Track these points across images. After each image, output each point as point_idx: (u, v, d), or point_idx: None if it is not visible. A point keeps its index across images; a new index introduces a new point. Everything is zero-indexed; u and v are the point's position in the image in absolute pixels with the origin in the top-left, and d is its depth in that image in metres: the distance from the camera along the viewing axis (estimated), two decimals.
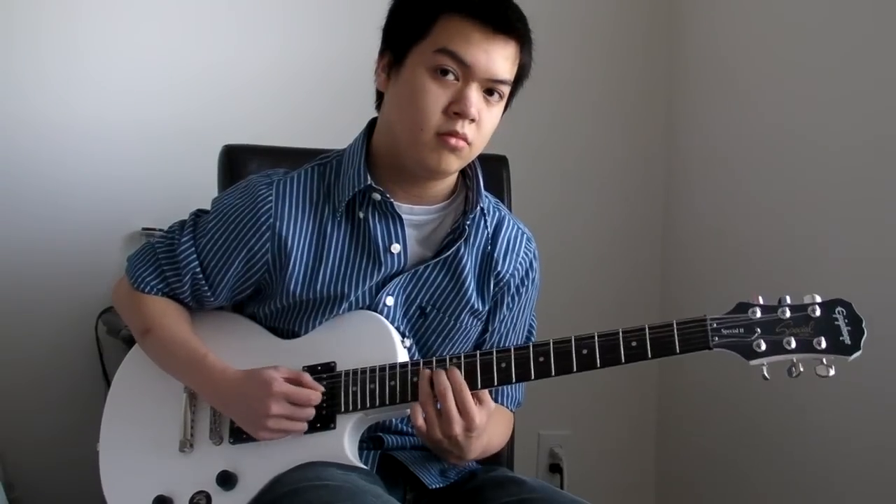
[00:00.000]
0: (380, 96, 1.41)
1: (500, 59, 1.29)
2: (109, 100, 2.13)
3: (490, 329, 1.48)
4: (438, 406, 1.26)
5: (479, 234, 1.44)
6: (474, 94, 1.28)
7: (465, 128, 1.29)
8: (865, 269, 1.86)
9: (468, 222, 1.40)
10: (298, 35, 2.27)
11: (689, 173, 2.47)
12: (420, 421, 1.26)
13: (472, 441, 1.28)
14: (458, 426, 1.25)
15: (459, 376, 1.26)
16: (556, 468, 2.50)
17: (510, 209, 1.76)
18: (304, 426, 1.29)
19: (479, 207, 1.41)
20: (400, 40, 1.32)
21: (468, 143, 1.31)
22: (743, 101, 2.26)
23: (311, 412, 1.29)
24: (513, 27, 1.29)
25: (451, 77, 1.28)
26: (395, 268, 1.38)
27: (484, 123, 1.31)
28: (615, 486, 2.53)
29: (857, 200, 1.89)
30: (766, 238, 2.15)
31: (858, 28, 1.90)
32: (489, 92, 1.31)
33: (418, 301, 1.40)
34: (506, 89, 1.32)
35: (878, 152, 1.84)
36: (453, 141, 1.29)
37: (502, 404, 1.50)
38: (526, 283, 1.49)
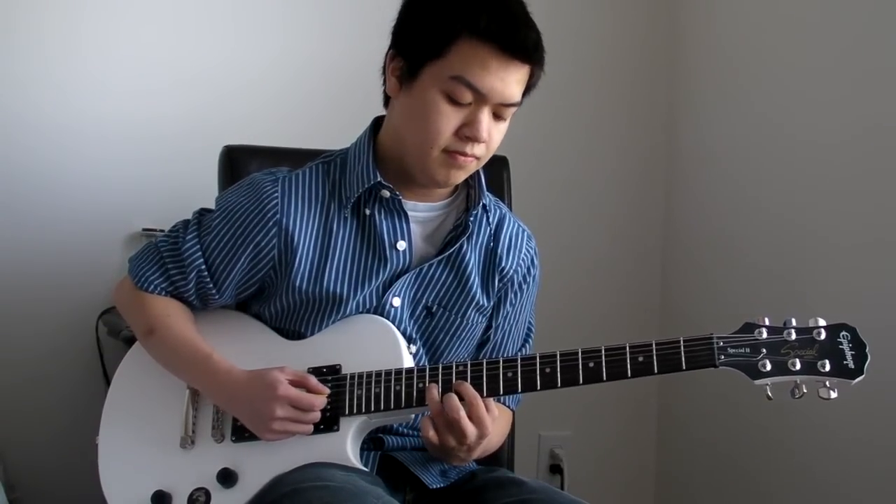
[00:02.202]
0: (387, 95, 1.40)
1: (514, 83, 1.29)
2: (110, 100, 2.13)
3: (494, 325, 1.49)
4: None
5: (482, 231, 1.45)
6: (486, 119, 1.29)
7: (474, 149, 1.31)
8: (866, 267, 1.86)
9: (471, 218, 1.41)
10: (299, 35, 2.27)
11: (690, 174, 2.47)
12: (431, 433, 1.27)
13: (481, 444, 1.30)
14: (472, 435, 1.26)
15: (471, 389, 1.27)
16: (556, 469, 2.50)
17: (510, 210, 1.77)
18: (310, 428, 1.29)
19: (481, 204, 1.42)
20: (414, 53, 1.30)
21: (477, 159, 1.33)
22: (744, 102, 2.26)
23: (317, 415, 1.29)
24: (530, 54, 1.28)
25: (464, 100, 1.28)
26: (401, 265, 1.39)
27: (492, 140, 1.33)
28: (615, 487, 2.54)
29: (859, 199, 1.89)
30: (766, 239, 2.15)
31: (860, 26, 1.90)
32: (499, 109, 1.31)
33: (424, 300, 1.41)
34: (515, 107, 1.32)
35: (880, 151, 1.84)
36: (462, 159, 1.31)
37: (504, 403, 1.51)
38: (528, 279, 1.50)
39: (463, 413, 1.25)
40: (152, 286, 1.41)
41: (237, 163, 1.79)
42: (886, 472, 1.80)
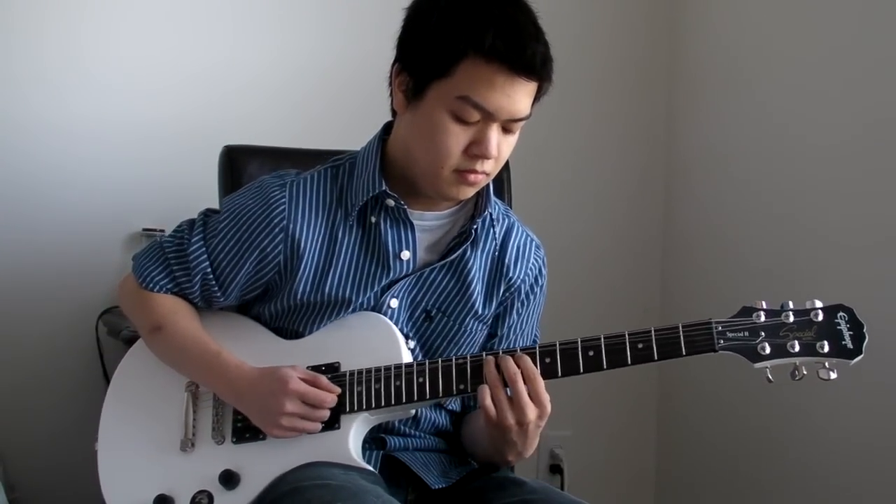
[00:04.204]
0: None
1: (522, 99, 1.26)
2: (110, 100, 2.13)
3: (499, 335, 1.48)
4: (508, 392, 1.25)
5: (489, 240, 1.44)
6: (495, 135, 1.27)
7: (484, 166, 1.30)
8: (866, 265, 1.86)
9: (475, 226, 1.40)
10: (298, 35, 2.27)
11: (689, 173, 2.48)
12: (488, 401, 1.25)
13: (539, 431, 1.28)
14: (531, 412, 1.24)
15: (531, 363, 1.25)
16: (556, 469, 2.50)
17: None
18: (318, 427, 1.29)
19: (487, 212, 1.41)
20: (420, 70, 1.28)
21: (487, 174, 1.32)
22: (743, 100, 2.26)
23: (326, 414, 1.29)
24: (537, 70, 1.26)
25: (471, 119, 1.26)
26: (403, 273, 1.39)
27: (502, 154, 1.31)
28: (615, 487, 2.54)
29: (858, 198, 1.89)
30: (766, 237, 2.16)
31: (860, 25, 1.90)
32: (508, 124, 1.29)
33: (423, 304, 1.41)
34: (525, 120, 1.30)
35: (879, 149, 1.84)
36: (472, 177, 1.30)
37: None
38: (535, 289, 1.49)
39: (520, 378, 1.23)
40: (157, 286, 1.40)
41: (237, 163, 1.79)
42: (886, 472, 1.80)
